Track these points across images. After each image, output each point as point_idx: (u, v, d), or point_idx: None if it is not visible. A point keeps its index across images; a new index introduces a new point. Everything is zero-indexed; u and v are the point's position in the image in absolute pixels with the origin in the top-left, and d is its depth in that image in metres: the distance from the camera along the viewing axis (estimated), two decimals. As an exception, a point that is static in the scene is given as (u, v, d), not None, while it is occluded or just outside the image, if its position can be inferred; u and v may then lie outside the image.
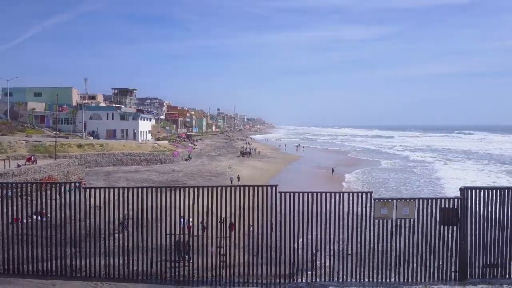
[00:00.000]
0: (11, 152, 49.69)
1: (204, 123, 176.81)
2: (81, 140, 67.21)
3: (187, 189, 19.67)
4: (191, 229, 20.07)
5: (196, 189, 19.43)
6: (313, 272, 19.09)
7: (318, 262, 19.39)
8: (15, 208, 19.36)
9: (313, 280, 18.85)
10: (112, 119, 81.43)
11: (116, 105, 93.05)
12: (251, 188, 19.25)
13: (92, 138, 74.57)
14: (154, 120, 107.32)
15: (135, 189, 19.58)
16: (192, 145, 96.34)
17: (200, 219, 19.50)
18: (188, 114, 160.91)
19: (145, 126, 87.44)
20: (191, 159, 73.53)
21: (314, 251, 19.26)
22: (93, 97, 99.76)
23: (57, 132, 57.84)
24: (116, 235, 19.54)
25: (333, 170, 60.50)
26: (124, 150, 65.12)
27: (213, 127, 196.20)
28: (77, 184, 20.03)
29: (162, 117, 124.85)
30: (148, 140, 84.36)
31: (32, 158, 42.68)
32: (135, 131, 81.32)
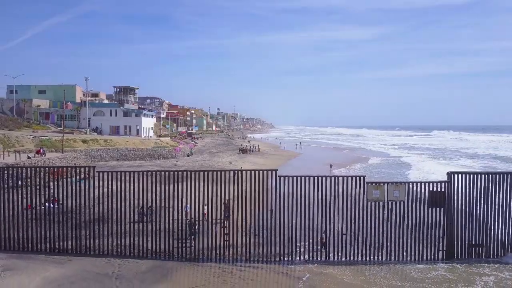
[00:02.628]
0: (19, 147, 51.07)
1: (204, 122, 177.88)
2: (86, 136, 68.67)
3: (194, 173, 21.07)
4: (206, 216, 20.95)
5: (202, 173, 20.87)
6: (323, 251, 20.28)
7: (304, 241, 20.64)
8: (33, 194, 20.77)
9: (310, 258, 20.22)
10: (116, 115, 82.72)
11: (119, 103, 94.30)
12: (253, 172, 20.70)
13: (96, 134, 75.98)
14: (155, 118, 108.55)
15: (144, 173, 20.98)
16: (193, 142, 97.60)
17: (223, 208, 20.58)
18: (188, 113, 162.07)
19: (147, 122, 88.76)
20: (193, 155, 74.90)
21: (323, 233, 20.39)
22: (96, 95, 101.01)
23: (63, 127, 59.17)
24: (132, 219, 20.91)
25: (331, 166, 61.83)
26: (128, 146, 66.55)
27: (213, 126, 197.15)
28: (91, 169, 21.46)
29: (163, 115, 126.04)
30: (150, 137, 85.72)
31: (41, 150, 44.10)
32: (138, 127, 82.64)
